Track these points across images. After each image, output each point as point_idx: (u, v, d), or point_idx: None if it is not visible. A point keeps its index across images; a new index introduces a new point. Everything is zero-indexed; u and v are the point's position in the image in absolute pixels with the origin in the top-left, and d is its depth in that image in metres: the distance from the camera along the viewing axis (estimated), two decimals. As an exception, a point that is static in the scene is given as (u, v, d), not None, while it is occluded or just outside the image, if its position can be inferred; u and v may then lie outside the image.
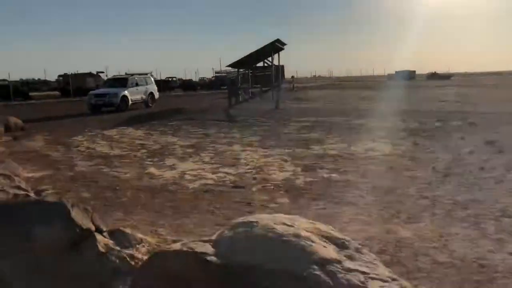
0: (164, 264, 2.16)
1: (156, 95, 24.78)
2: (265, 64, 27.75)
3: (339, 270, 1.88)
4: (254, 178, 6.67)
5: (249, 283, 1.97)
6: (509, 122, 11.98)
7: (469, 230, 4.00)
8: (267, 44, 23.87)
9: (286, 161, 7.95)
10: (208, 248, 2.15)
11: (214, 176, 6.94)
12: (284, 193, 5.76)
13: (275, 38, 23.92)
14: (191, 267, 2.09)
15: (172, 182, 6.57)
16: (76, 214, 3.42)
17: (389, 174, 6.58)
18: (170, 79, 51.34)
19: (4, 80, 36.79)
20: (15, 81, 39.23)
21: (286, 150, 9.01)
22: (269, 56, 25.79)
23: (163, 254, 2.21)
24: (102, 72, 41.90)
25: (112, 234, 3.69)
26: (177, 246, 2.22)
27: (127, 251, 3.51)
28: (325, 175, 6.65)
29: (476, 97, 24.46)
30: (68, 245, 3.36)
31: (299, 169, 7.22)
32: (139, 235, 3.83)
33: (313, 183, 6.23)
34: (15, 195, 4.75)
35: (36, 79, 64.59)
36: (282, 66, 30.26)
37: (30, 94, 37.90)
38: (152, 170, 7.54)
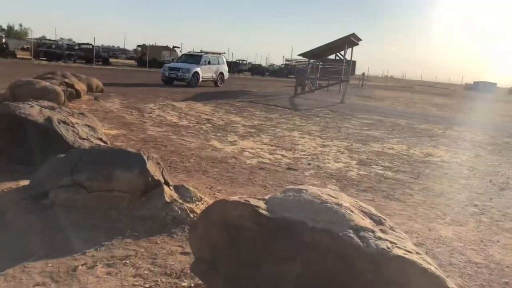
0: (223, 211, 2.55)
1: (226, 75, 25.56)
2: (337, 58, 27.59)
3: (371, 237, 2.17)
4: (309, 164, 6.97)
5: (292, 237, 2.31)
6: None
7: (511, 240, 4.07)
8: (342, 37, 23.68)
9: (342, 153, 8.15)
10: (261, 204, 2.52)
11: (271, 156, 7.32)
12: (335, 182, 6.01)
13: (351, 32, 23.66)
14: (245, 216, 2.47)
15: (232, 156, 7.03)
16: (151, 166, 3.95)
17: (444, 179, 6.60)
18: (240, 61, 52.31)
19: (88, 44, 39.41)
20: (97, 46, 41.73)
21: (344, 143, 9.19)
22: (342, 50, 25.58)
23: (222, 203, 2.60)
24: (178, 47, 43.53)
25: (177, 188, 4.21)
26: (235, 198, 2.61)
27: (188, 205, 4.01)
28: (379, 171, 6.80)
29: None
30: (141, 191, 3.91)
31: (354, 162, 7.41)
32: (200, 194, 4.32)
33: (365, 176, 6.41)
34: (98, 145, 5.40)
35: (116, 46, 68.64)
36: (354, 62, 29.91)
37: (110, 60, 40.52)
38: (215, 143, 8.07)
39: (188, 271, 2.92)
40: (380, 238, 2.18)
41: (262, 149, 7.91)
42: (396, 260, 2.01)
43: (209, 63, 23.54)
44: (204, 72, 22.90)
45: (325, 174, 6.36)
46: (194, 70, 21.93)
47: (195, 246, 2.75)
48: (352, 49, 25.84)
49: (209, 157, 6.79)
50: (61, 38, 54.60)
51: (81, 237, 3.31)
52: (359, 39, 25.27)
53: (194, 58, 23.47)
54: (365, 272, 2.07)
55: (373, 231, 2.26)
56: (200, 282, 2.77)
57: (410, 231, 4.05)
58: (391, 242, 2.16)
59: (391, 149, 8.99)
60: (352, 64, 28.42)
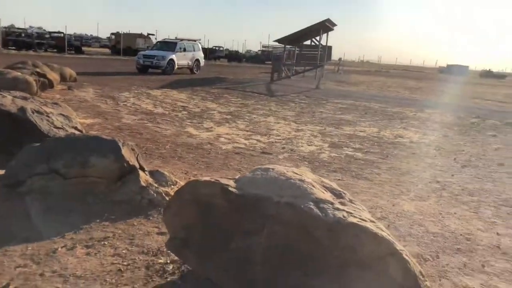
0: (195, 190, 2.72)
1: (202, 62, 25.49)
2: (313, 43, 27.80)
3: (330, 208, 2.38)
4: (283, 148, 7.18)
5: (259, 210, 2.50)
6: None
7: (467, 212, 4.38)
8: (317, 23, 23.87)
9: (315, 137, 8.39)
10: (231, 183, 2.69)
11: (246, 141, 7.50)
12: (307, 164, 6.23)
13: (326, 18, 23.86)
14: (216, 194, 2.64)
15: (207, 142, 7.17)
16: (126, 152, 4.08)
17: (410, 159, 6.92)
18: (216, 48, 52.01)
19: (60, 32, 38.53)
20: (69, 35, 40.85)
21: (318, 127, 9.44)
22: (318, 35, 25.78)
23: (195, 183, 2.77)
24: (153, 35, 43.04)
25: (152, 173, 4.35)
26: (206, 178, 2.78)
27: (164, 189, 4.16)
28: (349, 153, 7.06)
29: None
30: (116, 176, 4.03)
31: (326, 145, 7.66)
32: (175, 178, 4.48)
33: (336, 158, 6.67)
34: (73, 133, 5.47)
35: (89, 35, 67.15)
36: (330, 47, 30.17)
37: (83, 49, 39.76)
38: (191, 130, 8.19)
39: (165, 250, 3.08)
40: (338, 209, 2.39)
41: (237, 134, 8.07)
42: (350, 227, 2.22)
43: (184, 50, 23.43)
44: (180, 59, 22.80)
45: (298, 157, 6.58)
46: (169, 58, 21.81)
47: (169, 224, 2.91)
48: (327, 35, 26.10)
49: (184, 144, 6.91)
50: (30, 27, 52.96)
51: (59, 222, 3.43)
52: (334, 24, 25.50)
53: (169, 45, 23.28)
54: (323, 239, 2.28)
55: (332, 203, 2.47)
56: (175, 258, 2.95)
57: (375, 207, 4.31)
58: (347, 212, 2.37)
59: (362, 131, 9.29)
60: (328, 49, 28.68)
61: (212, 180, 2.74)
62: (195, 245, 2.76)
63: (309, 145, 7.52)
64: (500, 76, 73.46)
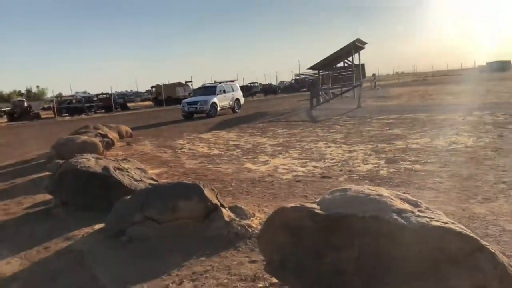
0: (284, 216, 3.07)
1: (242, 100, 26.42)
2: (345, 64, 28.18)
3: (412, 216, 2.65)
4: (340, 170, 7.43)
5: (346, 226, 2.80)
6: None
7: (541, 207, 4.45)
8: (347, 45, 24.36)
9: (369, 155, 8.58)
10: (315, 205, 3.03)
11: (303, 169, 7.81)
12: (369, 182, 6.43)
13: (356, 38, 24.27)
14: (304, 217, 2.97)
15: (268, 175, 7.55)
16: (208, 192, 4.53)
17: (470, 163, 6.97)
18: (251, 84, 53.51)
19: (106, 93, 41.20)
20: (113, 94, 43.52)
21: (369, 146, 9.62)
22: (349, 56, 26.21)
23: (282, 209, 3.12)
24: (190, 82, 44.95)
25: (232, 209, 4.76)
26: (291, 204, 3.13)
27: (245, 222, 4.55)
28: (407, 166, 7.21)
29: None
30: (202, 216, 4.47)
31: (382, 161, 7.83)
32: (251, 211, 4.85)
33: (395, 173, 6.83)
34: (153, 184, 6.00)
35: (130, 91, 71.03)
36: (363, 65, 30.42)
37: (128, 104, 42.12)
38: (249, 165, 8.62)
39: (261, 275, 3.42)
40: (419, 216, 2.66)
41: (293, 163, 8.41)
42: (435, 229, 2.48)
43: (224, 92, 24.45)
44: (221, 101, 23.79)
45: (358, 177, 6.81)
46: (212, 101, 22.83)
47: (264, 250, 3.26)
48: (359, 54, 26.46)
49: (247, 179, 7.32)
50: (76, 92, 56.89)
51: (162, 262, 3.86)
52: (364, 43, 25.88)
53: (210, 89, 24.44)
54: (412, 244, 2.54)
55: (412, 212, 2.74)
56: (274, 281, 3.27)
57: (446, 214, 4.40)
58: (429, 217, 2.64)
59: (415, 144, 9.38)
60: (361, 67, 28.88)
61: (298, 205, 3.08)
62: (291, 265, 3.08)
63: (365, 164, 7.73)
64: (547, 66, 70.24)
